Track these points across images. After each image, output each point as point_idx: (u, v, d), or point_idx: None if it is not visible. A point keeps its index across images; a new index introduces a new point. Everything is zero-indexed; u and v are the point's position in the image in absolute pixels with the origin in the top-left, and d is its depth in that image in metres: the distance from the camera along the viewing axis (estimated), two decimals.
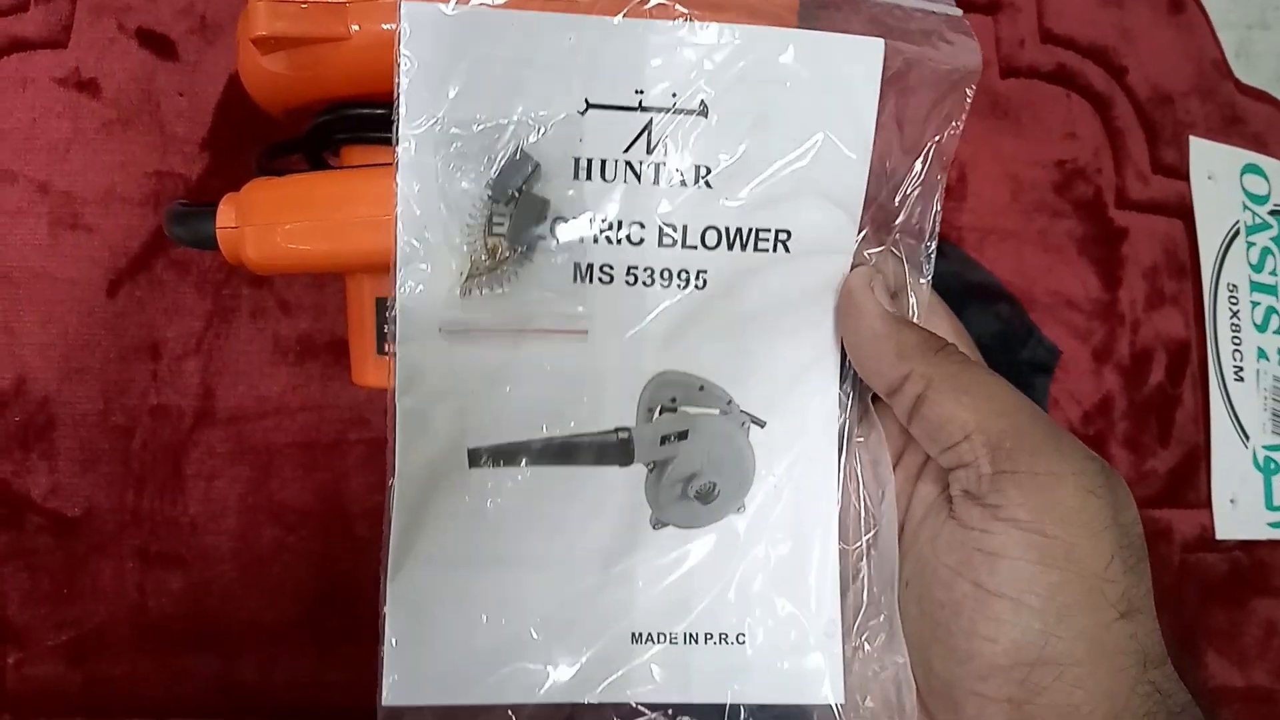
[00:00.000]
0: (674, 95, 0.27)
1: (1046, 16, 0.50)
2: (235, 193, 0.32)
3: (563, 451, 0.28)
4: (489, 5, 0.26)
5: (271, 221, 0.31)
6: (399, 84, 0.26)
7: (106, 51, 0.44)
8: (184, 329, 0.42)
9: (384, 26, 0.30)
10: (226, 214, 0.32)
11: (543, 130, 0.27)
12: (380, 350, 0.34)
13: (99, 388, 0.42)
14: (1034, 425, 0.24)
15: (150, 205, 0.43)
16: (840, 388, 0.29)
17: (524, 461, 0.28)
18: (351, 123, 0.34)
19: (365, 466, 0.42)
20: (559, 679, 0.28)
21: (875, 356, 0.27)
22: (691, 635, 0.28)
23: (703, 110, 0.27)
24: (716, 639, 0.29)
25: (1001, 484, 0.24)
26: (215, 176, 0.43)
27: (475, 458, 0.28)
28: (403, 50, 0.26)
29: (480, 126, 0.27)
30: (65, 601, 0.41)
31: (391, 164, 0.32)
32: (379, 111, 0.33)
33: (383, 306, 0.34)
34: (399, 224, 0.27)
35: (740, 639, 0.29)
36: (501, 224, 0.28)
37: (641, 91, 0.27)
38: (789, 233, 0.28)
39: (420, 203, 0.27)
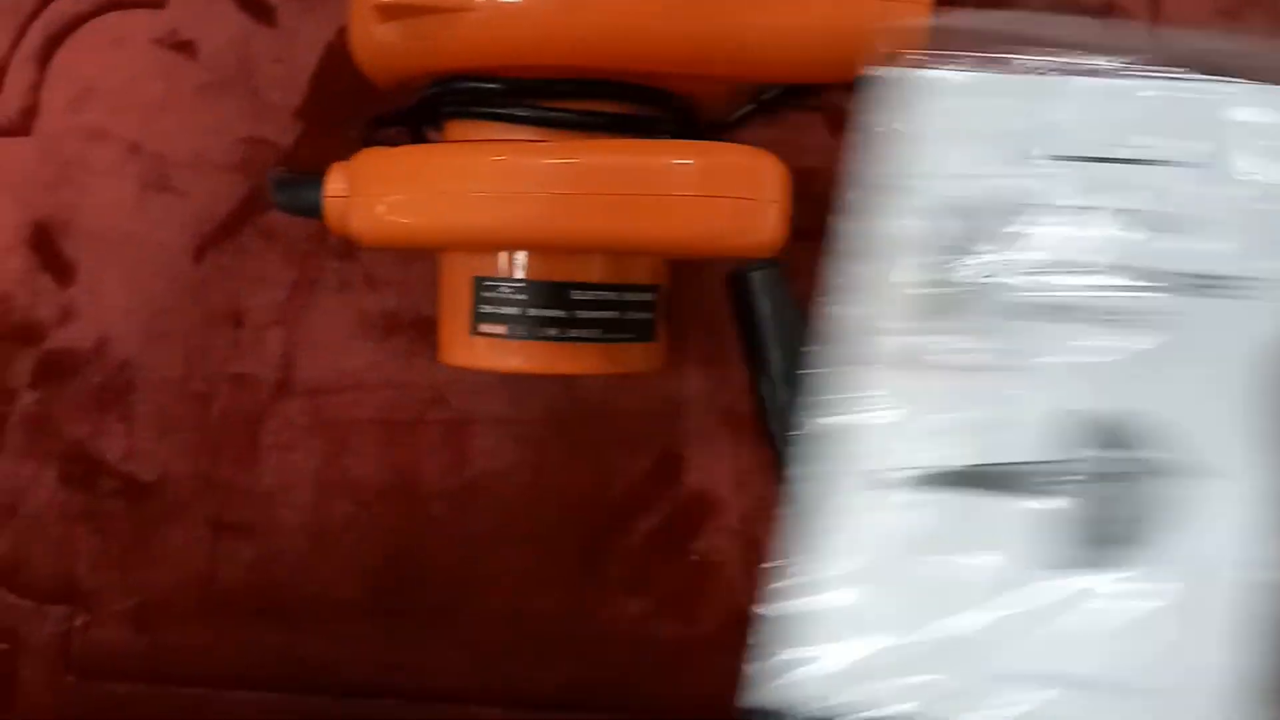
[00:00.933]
0: (1138, 146, 0.29)
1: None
2: (345, 161, 0.32)
3: (980, 480, 0.29)
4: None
5: (382, 192, 0.31)
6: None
7: (204, 14, 0.43)
8: (268, 298, 0.42)
9: None
10: (336, 182, 0.32)
11: (996, 180, 0.29)
12: (474, 330, 0.34)
13: (180, 353, 0.42)
14: None
15: (241, 172, 0.43)
16: None
17: (940, 486, 0.29)
18: (462, 96, 0.34)
19: (442, 448, 0.41)
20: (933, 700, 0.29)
21: None
22: (1085, 680, 0.29)
23: (1164, 160, 0.29)
24: (1111, 688, 0.28)
25: None
26: (307, 146, 0.43)
27: (889, 480, 0.30)
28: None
29: (944, 179, 0.30)
30: (135, 566, 0.41)
31: (508, 139, 0.31)
32: (491, 86, 0.33)
33: (481, 285, 0.33)
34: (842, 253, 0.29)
35: (1140, 691, 0.28)
36: (945, 265, 0.30)
37: (1113, 143, 0.29)
38: (1240, 279, 0.28)
39: (867, 236, 0.29)
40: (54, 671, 0.41)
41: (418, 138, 0.38)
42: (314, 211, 0.32)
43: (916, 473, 0.30)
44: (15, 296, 0.42)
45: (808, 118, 0.44)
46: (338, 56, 0.43)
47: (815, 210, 0.43)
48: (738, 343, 0.41)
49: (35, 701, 0.41)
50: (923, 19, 0.32)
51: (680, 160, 0.29)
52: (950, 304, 0.30)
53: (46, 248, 0.43)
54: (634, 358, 0.35)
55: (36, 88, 0.44)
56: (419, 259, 0.42)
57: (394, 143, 0.34)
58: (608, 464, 0.42)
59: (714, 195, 0.29)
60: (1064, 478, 0.29)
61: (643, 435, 0.42)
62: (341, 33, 0.43)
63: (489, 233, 0.30)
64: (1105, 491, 0.29)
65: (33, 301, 0.42)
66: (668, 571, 0.41)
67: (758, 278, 0.39)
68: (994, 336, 0.30)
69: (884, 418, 0.30)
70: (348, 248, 0.43)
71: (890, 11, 0.31)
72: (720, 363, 0.42)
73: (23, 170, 0.43)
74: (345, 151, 0.42)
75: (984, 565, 0.29)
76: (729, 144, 0.29)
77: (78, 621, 0.41)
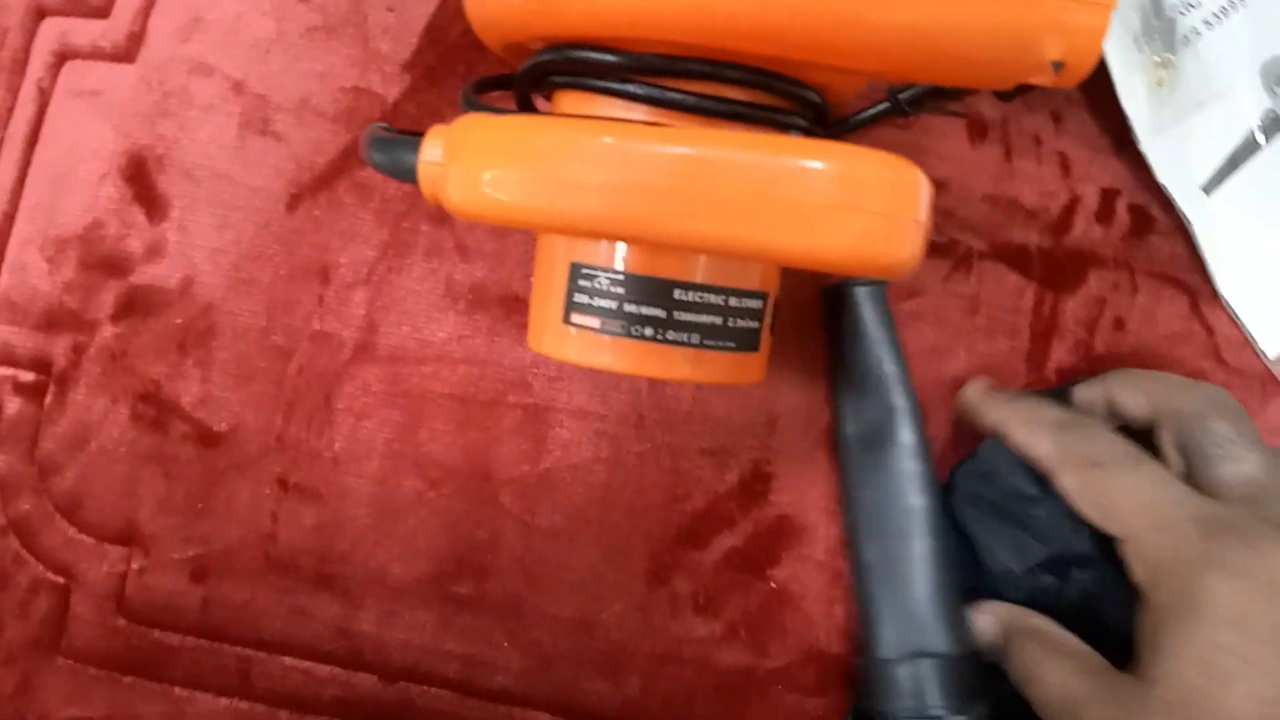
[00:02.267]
0: None
1: None
2: (444, 125, 0.30)
3: None
4: None
5: (481, 164, 0.28)
6: None
7: None
8: (357, 256, 0.40)
9: None
10: (433, 147, 0.30)
11: None
12: (566, 320, 0.31)
13: (264, 303, 0.40)
14: None
15: (343, 122, 0.41)
16: None
17: None
18: (576, 66, 0.31)
19: (519, 433, 0.40)
20: None
21: None
22: None
23: None
24: None
25: None
26: (412, 101, 0.41)
27: None
28: None
29: None
30: (197, 516, 0.40)
31: (621, 119, 0.29)
32: (609, 58, 0.30)
33: (578, 273, 0.31)
34: None
35: None
36: None
37: None
38: None
39: None
40: (105, 612, 0.41)
41: (524, 106, 0.35)
42: (408, 175, 0.30)
43: None
44: (106, 225, 0.41)
45: (947, 124, 0.41)
46: (451, 11, 0.41)
47: (939, 226, 0.39)
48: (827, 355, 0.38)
49: (84, 640, 0.41)
50: (1102, 24, 0.28)
51: (815, 163, 0.25)
52: None
53: (141, 180, 0.42)
54: (733, 369, 0.32)
55: (145, 13, 0.43)
56: (514, 232, 0.40)
57: (499, 108, 0.31)
58: (690, 473, 0.39)
59: (850, 207, 0.25)
60: None
61: (731, 447, 0.40)
62: None
63: (591, 221, 0.27)
64: None
65: (123, 233, 0.41)
66: (742, 596, 0.39)
67: (861, 294, 0.37)
68: None
69: None
70: (442, 212, 0.41)
71: (1068, 13, 0.28)
72: (821, 377, 0.40)
73: (124, 98, 0.42)
74: (451, 111, 0.41)
75: None
76: (871, 150, 0.26)
77: (135, 565, 0.40)
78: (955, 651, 0.34)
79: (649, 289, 0.30)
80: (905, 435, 0.36)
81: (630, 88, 0.30)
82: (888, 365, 0.37)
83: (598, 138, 0.27)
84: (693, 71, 0.30)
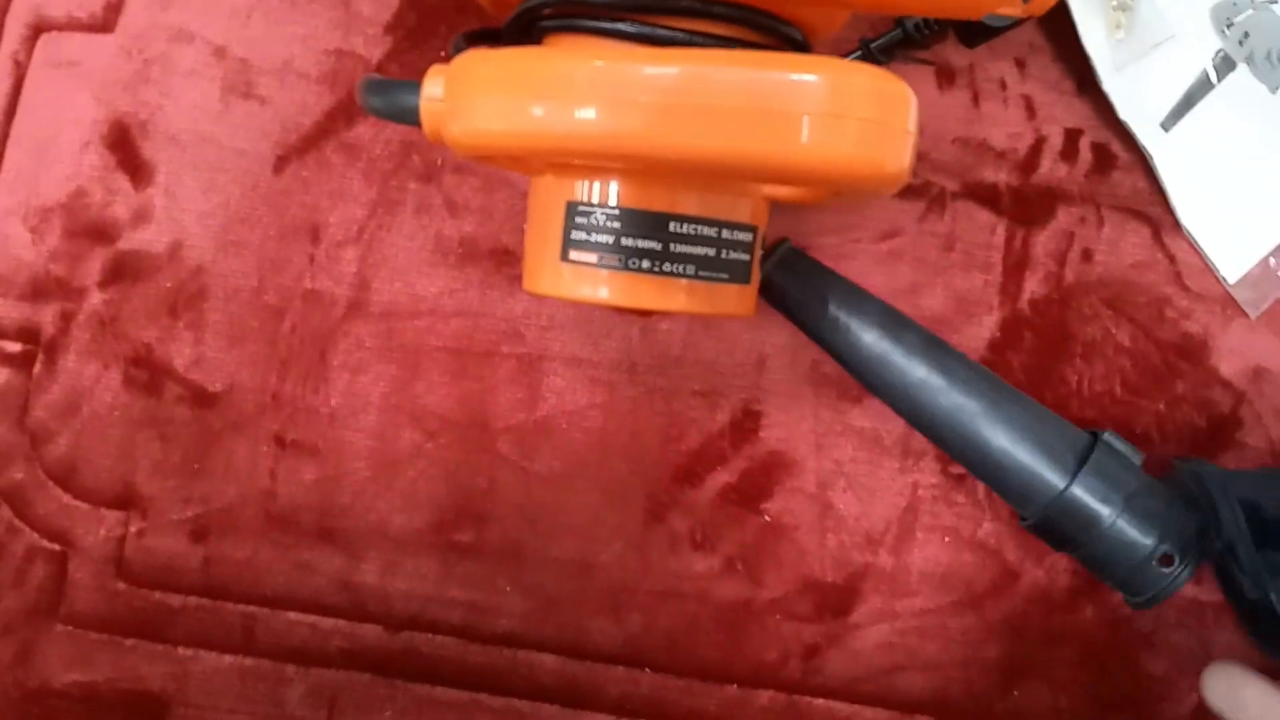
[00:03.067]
0: None
1: None
2: (444, 64, 0.31)
3: None
4: None
5: (484, 96, 0.29)
6: None
7: None
8: (346, 215, 0.41)
9: None
10: (434, 85, 0.31)
11: None
12: (564, 257, 0.32)
13: (255, 264, 0.41)
14: None
15: (327, 83, 0.42)
16: None
17: None
18: (568, 8, 0.32)
19: (514, 382, 0.40)
20: None
21: None
22: None
23: None
24: None
25: None
26: (395, 61, 0.42)
27: None
28: None
29: None
30: (195, 477, 0.41)
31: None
32: None
33: (574, 211, 0.32)
34: None
35: None
36: None
37: None
38: None
39: None
40: (104, 577, 0.41)
41: None
42: (409, 116, 0.31)
43: None
44: (90, 193, 0.42)
45: (917, 71, 0.42)
46: None
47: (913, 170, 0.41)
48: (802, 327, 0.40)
49: (84, 606, 0.41)
50: None
51: (804, 74, 0.27)
52: None
53: (124, 147, 0.42)
54: (727, 299, 0.33)
55: None
56: (502, 186, 0.41)
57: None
58: (683, 414, 0.41)
59: (842, 114, 0.27)
60: None
61: (721, 387, 0.41)
62: None
63: (592, 141, 0.28)
64: None
65: (108, 200, 0.42)
66: (737, 531, 0.40)
67: (780, 253, 0.39)
68: None
69: None
70: (430, 170, 0.42)
71: None
72: None
73: (104, 67, 0.43)
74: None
75: None
76: (858, 62, 0.27)
77: (133, 528, 0.41)
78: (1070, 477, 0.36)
79: (645, 222, 0.32)
80: (868, 337, 0.38)
81: (620, 25, 0.31)
82: (831, 310, 0.39)
83: (596, 61, 0.28)
84: (680, 8, 0.31)
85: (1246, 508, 0.37)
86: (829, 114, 0.26)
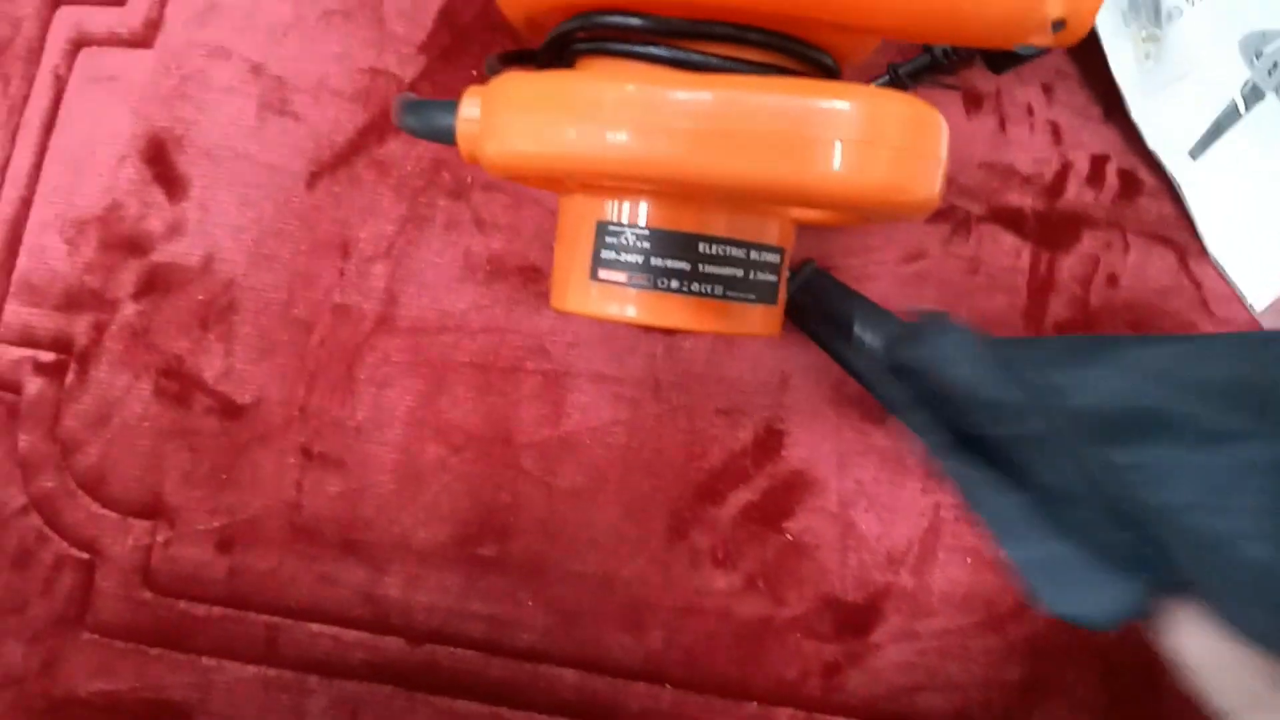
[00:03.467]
0: None
1: None
2: (481, 85, 0.31)
3: None
4: None
5: (520, 118, 0.30)
6: None
7: None
8: (376, 231, 0.42)
9: None
10: (470, 106, 0.31)
11: None
12: (594, 276, 0.33)
13: (285, 278, 0.42)
14: None
15: (360, 101, 0.42)
16: None
17: None
18: (600, 31, 0.33)
19: (539, 398, 0.41)
20: None
21: None
22: None
23: None
24: None
25: None
26: (428, 81, 0.42)
27: None
28: None
29: None
30: (222, 488, 0.41)
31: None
32: (633, 21, 0.32)
33: (604, 230, 0.33)
34: None
35: None
36: None
37: None
38: None
39: None
40: (131, 586, 0.41)
41: None
42: (445, 136, 0.32)
43: None
44: (125, 206, 0.42)
45: (944, 96, 0.43)
46: None
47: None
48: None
49: (110, 614, 0.41)
50: None
51: (837, 102, 0.27)
52: None
53: (160, 161, 0.43)
54: (754, 320, 0.34)
55: (163, 0, 0.44)
56: (530, 204, 0.42)
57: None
58: (706, 432, 0.41)
59: (875, 142, 0.27)
60: None
61: (745, 406, 0.41)
62: None
63: (627, 165, 0.28)
64: None
65: (143, 213, 0.42)
66: (759, 549, 0.41)
67: (805, 275, 0.39)
68: None
69: None
70: (459, 187, 0.42)
71: None
72: None
73: (142, 82, 0.44)
74: (465, 89, 0.42)
75: None
76: (890, 90, 0.28)
77: (160, 537, 0.41)
78: None
79: (674, 242, 0.32)
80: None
81: (653, 50, 0.32)
82: (853, 330, 0.38)
83: (629, 85, 0.29)
84: (715, 34, 0.31)
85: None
86: (862, 141, 0.27)
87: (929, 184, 0.28)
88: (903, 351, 0.30)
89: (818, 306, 0.40)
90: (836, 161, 0.27)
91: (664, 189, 0.31)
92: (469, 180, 0.42)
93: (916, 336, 0.30)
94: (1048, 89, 0.43)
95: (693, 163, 0.28)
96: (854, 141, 0.27)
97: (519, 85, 0.31)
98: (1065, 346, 0.26)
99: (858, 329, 0.39)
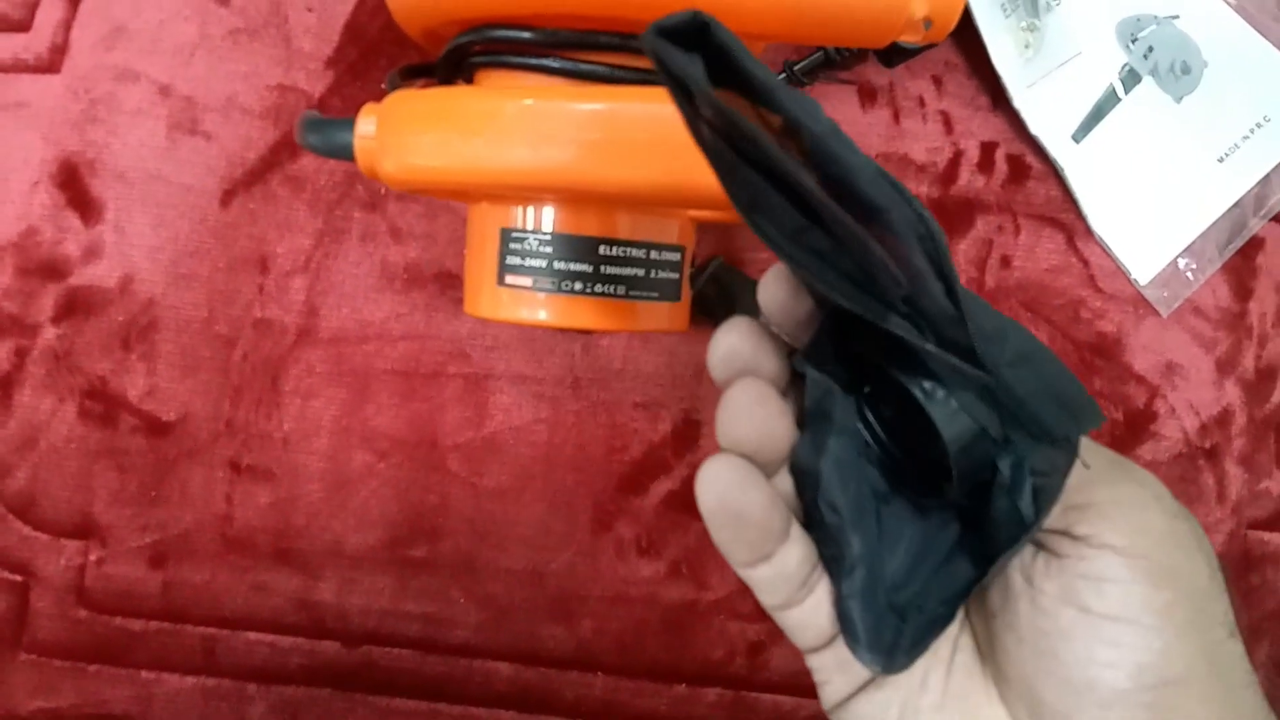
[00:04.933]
0: None
1: None
2: (376, 103, 0.32)
3: None
4: None
5: (413, 134, 0.31)
6: None
7: None
8: (294, 245, 0.43)
9: None
10: (366, 123, 0.32)
11: None
12: (500, 282, 0.34)
13: (205, 295, 0.42)
14: (1099, 456, 0.24)
15: (270, 118, 0.43)
16: None
17: None
18: (494, 45, 0.34)
19: (461, 401, 0.42)
20: None
21: None
22: None
23: None
24: None
25: (1086, 515, 0.23)
26: (337, 95, 0.43)
27: None
28: None
29: None
30: (152, 504, 0.42)
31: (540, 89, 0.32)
32: (524, 35, 0.33)
33: (508, 237, 0.34)
34: None
35: None
36: None
37: None
38: None
39: None
40: (66, 605, 0.42)
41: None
42: (344, 153, 0.33)
43: None
44: (41, 232, 0.43)
45: (840, 91, 0.44)
46: (371, 8, 0.44)
47: None
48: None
49: (46, 634, 0.42)
50: None
51: None
52: None
53: (73, 185, 0.43)
54: (659, 317, 0.35)
55: (67, 25, 0.44)
56: (444, 212, 0.43)
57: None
58: (626, 426, 0.42)
59: None
60: None
61: (662, 399, 0.43)
62: None
63: (519, 177, 0.30)
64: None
65: (59, 238, 0.43)
66: (681, 536, 0.42)
67: (711, 269, 0.41)
68: None
69: None
70: (374, 199, 0.43)
71: None
72: None
73: (51, 107, 0.44)
74: (375, 102, 0.43)
75: None
76: None
77: (92, 556, 0.42)
78: None
79: (576, 246, 0.33)
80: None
81: (546, 62, 0.33)
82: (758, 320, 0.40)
83: (523, 100, 0.30)
84: (602, 44, 0.33)
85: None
86: None
87: None
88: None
89: (725, 299, 0.41)
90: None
91: (559, 197, 0.32)
92: (383, 192, 0.43)
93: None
94: (938, 81, 0.45)
95: (581, 172, 0.29)
96: None
97: (411, 102, 0.32)
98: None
99: (762, 320, 0.40)
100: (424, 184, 0.32)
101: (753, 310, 0.40)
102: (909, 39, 0.34)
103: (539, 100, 0.30)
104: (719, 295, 0.41)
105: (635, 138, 0.29)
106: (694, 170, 0.29)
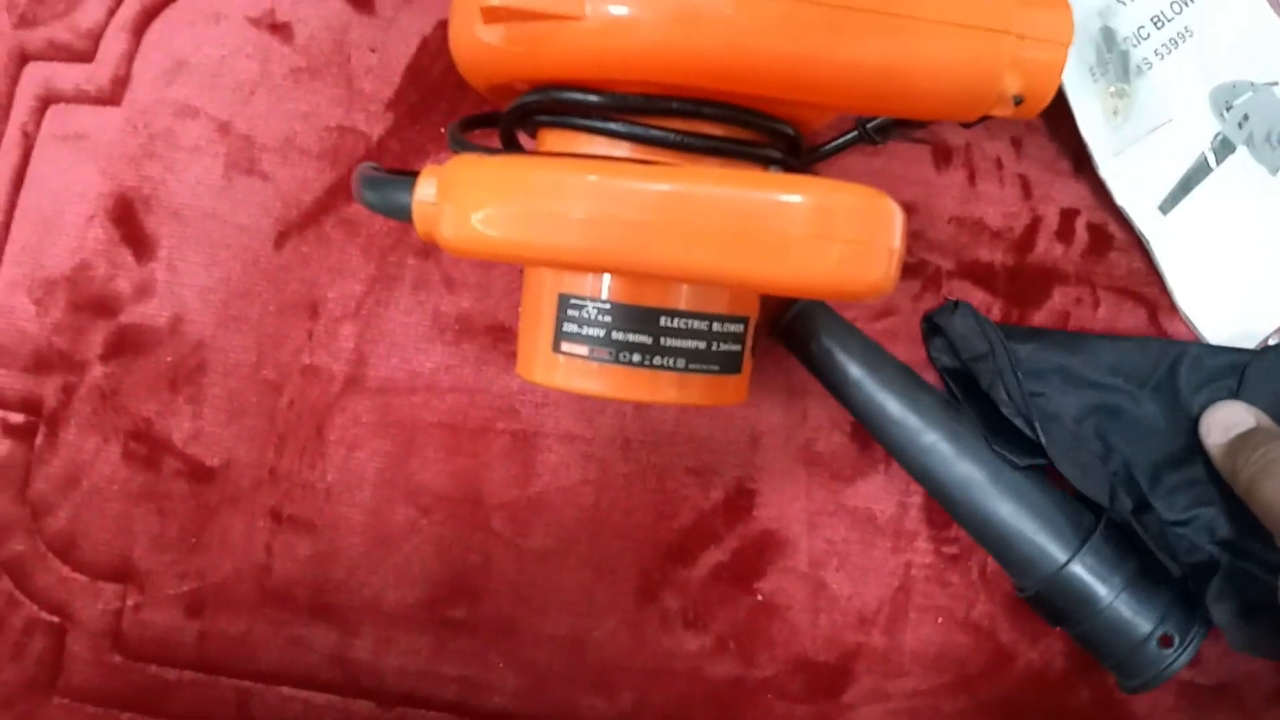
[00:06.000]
0: None
1: None
2: (437, 165, 0.31)
3: None
4: None
5: (473, 202, 0.30)
6: None
7: None
8: (345, 291, 0.42)
9: (617, 11, 0.28)
10: (427, 186, 0.31)
11: None
12: (556, 348, 0.33)
13: (254, 339, 0.42)
14: None
15: (328, 160, 0.42)
16: None
17: None
18: (561, 107, 0.33)
19: (508, 458, 0.41)
20: None
21: None
22: None
23: None
24: None
25: None
26: (396, 138, 0.43)
27: None
28: None
29: None
30: (192, 551, 0.41)
31: (607, 156, 0.30)
32: (592, 99, 0.32)
33: (566, 303, 0.33)
34: None
35: None
36: None
37: None
38: None
39: None
40: (101, 650, 0.42)
41: (509, 143, 0.37)
42: (401, 214, 0.32)
43: None
44: (94, 267, 0.43)
45: (913, 150, 0.43)
46: (434, 50, 0.43)
47: (909, 248, 0.41)
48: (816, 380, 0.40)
49: (81, 679, 0.42)
50: (1059, 61, 0.30)
51: (790, 196, 0.27)
52: None
53: (128, 221, 0.43)
54: (717, 390, 0.34)
55: (130, 58, 0.44)
56: (498, 264, 0.42)
57: (488, 147, 0.33)
58: (676, 492, 0.41)
59: (825, 237, 0.27)
60: None
61: (715, 465, 0.41)
62: (440, 26, 0.42)
63: (580, 255, 0.29)
64: None
65: (111, 274, 0.42)
66: (730, 609, 0.41)
67: (797, 315, 0.39)
68: None
69: None
70: (428, 246, 0.42)
71: (1026, 50, 0.30)
72: (800, 395, 0.41)
73: (109, 140, 0.44)
74: (434, 147, 0.42)
75: None
76: (842, 182, 0.28)
77: (130, 602, 0.41)
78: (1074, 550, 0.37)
79: (636, 317, 0.32)
80: (884, 398, 0.39)
81: (613, 125, 0.32)
82: (850, 369, 0.39)
83: (585, 175, 0.29)
84: (672, 110, 0.31)
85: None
86: (815, 236, 0.27)
87: (880, 273, 0.28)
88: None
89: (814, 339, 0.39)
90: (789, 256, 0.27)
91: (613, 271, 0.31)
92: None
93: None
94: (1017, 142, 0.43)
95: (645, 256, 0.28)
96: (806, 236, 0.27)
97: (474, 169, 0.31)
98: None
99: (853, 366, 0.39)
100: (483, 254, 0.30)
101: (838, 356, 0.38)
102: (999, 114, 0.32)
103: (605, 176, 0.28)
104: (806, 332, 0.39)
105: (704, 223, 0.27)
106: (758, 260, 0.28)
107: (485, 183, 0.30)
